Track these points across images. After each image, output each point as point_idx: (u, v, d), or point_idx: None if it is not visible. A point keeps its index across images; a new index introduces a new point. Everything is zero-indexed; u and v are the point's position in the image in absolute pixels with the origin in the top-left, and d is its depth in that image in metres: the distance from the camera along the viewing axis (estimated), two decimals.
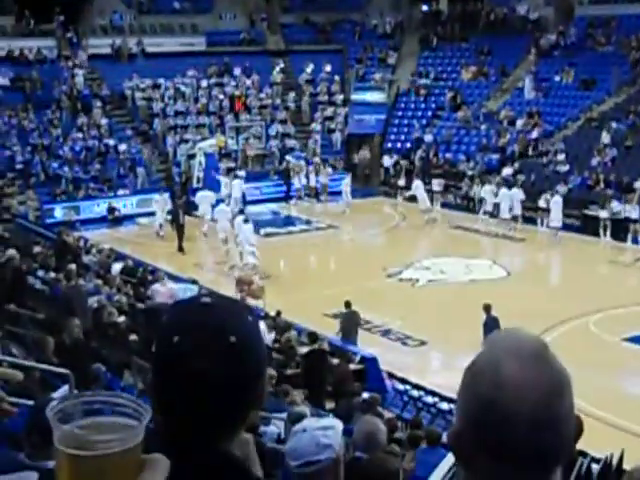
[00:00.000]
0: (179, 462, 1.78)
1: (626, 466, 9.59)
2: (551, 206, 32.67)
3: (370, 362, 18.54)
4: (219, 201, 33.49)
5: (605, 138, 36.94)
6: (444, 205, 38.43)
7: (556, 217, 32.19)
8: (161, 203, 33.79)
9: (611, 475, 9.25)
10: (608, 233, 31.98)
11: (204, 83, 45.61)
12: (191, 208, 34.24)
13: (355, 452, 5.57)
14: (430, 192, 38.28)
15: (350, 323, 20.73)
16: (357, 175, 43.11)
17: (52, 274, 20.11)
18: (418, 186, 36.66)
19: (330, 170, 41.72)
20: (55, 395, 9.57)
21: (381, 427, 5.99)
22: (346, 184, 39.02)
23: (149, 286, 21.57)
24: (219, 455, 1.82)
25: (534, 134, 39.62)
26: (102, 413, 1.30)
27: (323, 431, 3.44)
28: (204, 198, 34.10)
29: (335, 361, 17.53)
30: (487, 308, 19.71)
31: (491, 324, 19.36)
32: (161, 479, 1.30)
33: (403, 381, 18.87)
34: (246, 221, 28.26)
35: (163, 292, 20.25)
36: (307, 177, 41.01)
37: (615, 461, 9.58)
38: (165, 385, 1.82)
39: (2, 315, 15.02)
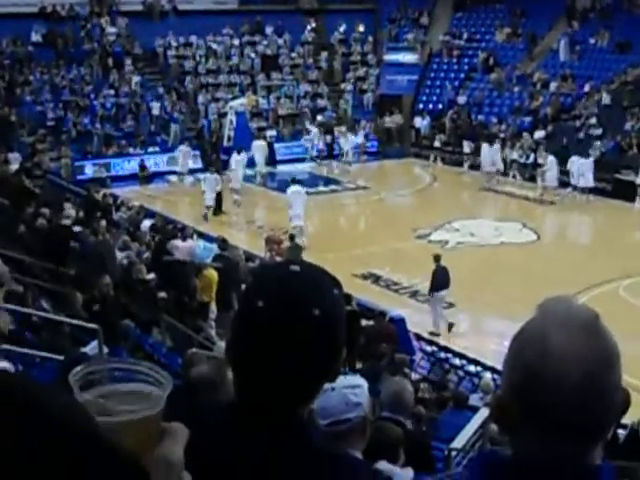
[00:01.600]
0: (251, 427, 1.80)
1: None
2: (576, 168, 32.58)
3: (398, 323, 18.55)
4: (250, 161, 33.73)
5: (605, 99, 37.52)
6: (474, 167, 38.18)
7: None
8: (211, 183, 30.21)
9: (638, 440, 9.25)
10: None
11: (236, 42, 45.45)
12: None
13: (382, 412, 5.59)
14: (460, 154, 38.30)
15: (294, 256, 21.09)
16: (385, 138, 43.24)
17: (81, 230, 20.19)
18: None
19: (361, 132, 41.66)
20: (85, 350, 9.67)
21: (408, 388, 6.01)
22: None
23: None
24: (289, 424, 1.83)
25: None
26: (124, 380, 1.30)
27: (352, 389, 3.44)
28: (237, 164, 32.70)
29: (365, 322, 17.54)
30: (437, 258, 20.38)
31: (440, 273, 20.07)
32: (181, 448, 1.30)
33: (431, 343, 18.91)
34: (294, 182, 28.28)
35: (181, 248, 20.27)
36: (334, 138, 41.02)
37: None
38: (243, 347, 1.84)
39: (33, 271, 15.14)
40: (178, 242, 20.63)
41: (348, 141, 40.05)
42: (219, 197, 30.67)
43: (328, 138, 40.99)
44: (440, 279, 20.04)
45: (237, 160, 32.33)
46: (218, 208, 30.69)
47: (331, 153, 40.88)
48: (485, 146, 36.11)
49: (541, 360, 1.57)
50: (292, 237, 23.23)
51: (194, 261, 19.78)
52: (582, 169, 32.04)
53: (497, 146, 36.02)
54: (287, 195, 27.38)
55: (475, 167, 38.02)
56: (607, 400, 1.58)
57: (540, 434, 1.58)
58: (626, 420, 9.57)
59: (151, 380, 1.30)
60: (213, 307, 17.87)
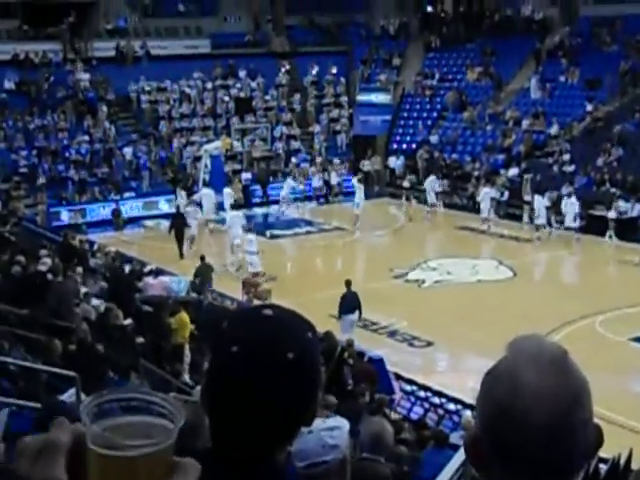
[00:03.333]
0: (227, 472, 1.79)
1: (634, 466, 9.58)
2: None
3: (377, 363, 18.51)
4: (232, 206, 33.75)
5: (577, 136, 37.98)
6: (449, 206, 38.33)
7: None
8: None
9: (619, 475, 9.23)
10: (613, 233, 31.84)
11: (209, 85, 45.64)
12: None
13: (362, 453, 5.57)
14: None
15: (204, 274, 24.42)
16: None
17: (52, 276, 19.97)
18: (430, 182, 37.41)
19: (337, 171, 41.81)
20: (62, 397, 9.59)
21: (388, 428, 5.99)
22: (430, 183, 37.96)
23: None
24: (266, 468, 1.82)
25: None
26: (137, 411, 1.28)
27: (329, 432, 3.42)
28: (206, 196, 34.64)
29: (351, 361, 17.53)
30: (348, 283, 21.59)
31: (349, 298, 21.32)
32: None
33: (410, 382, 18.88)
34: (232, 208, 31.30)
35: (155, 284, 20.20)
36: (310, 178, 41.22)
37: (623, 461, 9.56)
38: (218, 392, 1.83)
39: (9, 319, 15.04)
40: (150, 279, 20.54)
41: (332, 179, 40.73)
42: (180, 241, 30.54)
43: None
44: (349, 303, 21.24)
45: (206, 194, 34.52)
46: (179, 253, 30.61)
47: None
48: (571, 200, 32.68)
49: (510, 397, 1.57)
50: (202, 257, 25.19)
51: (170, 296, 19.69)
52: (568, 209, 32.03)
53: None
54: (227, 219, 29.73)
55: (449, 205, 38.20)
56: (577, 437, 1.58)
57: (511, 471, 1.58)
58: (608, 454, 9.58)
59: (164, 412, 1.29)
60: (187, 350, 17.78)
